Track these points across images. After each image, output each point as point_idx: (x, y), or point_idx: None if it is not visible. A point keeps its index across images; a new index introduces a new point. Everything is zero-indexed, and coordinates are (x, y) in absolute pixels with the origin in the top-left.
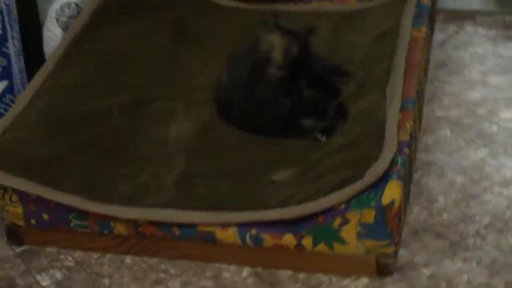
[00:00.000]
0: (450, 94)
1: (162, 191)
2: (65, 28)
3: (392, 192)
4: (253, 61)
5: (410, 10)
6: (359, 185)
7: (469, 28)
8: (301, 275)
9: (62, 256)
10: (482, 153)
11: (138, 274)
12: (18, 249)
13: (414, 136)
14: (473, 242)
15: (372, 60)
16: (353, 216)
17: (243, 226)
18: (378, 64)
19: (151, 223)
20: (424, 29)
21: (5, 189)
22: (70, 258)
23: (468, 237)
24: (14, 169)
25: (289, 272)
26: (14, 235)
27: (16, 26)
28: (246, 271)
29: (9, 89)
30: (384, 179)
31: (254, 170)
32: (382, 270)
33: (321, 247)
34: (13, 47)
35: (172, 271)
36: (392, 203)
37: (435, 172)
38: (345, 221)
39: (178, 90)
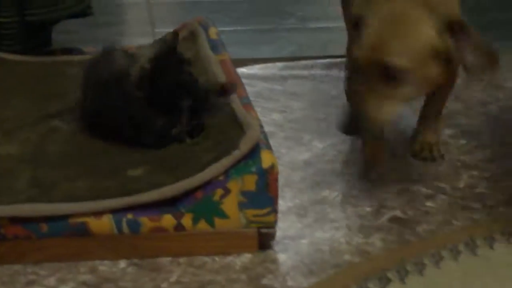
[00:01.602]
0: None
1: (16, 192)
2: None
3: (269, 158)
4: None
5: (204, 42)
6: (236, 154)
7: None
8: (182, 259)
9: None
10: None
11: (4, 279)
12: None
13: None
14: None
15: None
16: (234, 185)
17: (118, 212)
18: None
19: (15, 221)
20: (226, 54)
21: None
22: None
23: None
24: None
25: (169, 258)
26: None
27: None
28: (123, 262)
29: None
30: (255, 149)
31: (108, 170)
32: (263, 242)
33: (202, 224)
34: None
35: (42, 272)
36: (272, 166)
37: None
38: (226, 192)
39: None
